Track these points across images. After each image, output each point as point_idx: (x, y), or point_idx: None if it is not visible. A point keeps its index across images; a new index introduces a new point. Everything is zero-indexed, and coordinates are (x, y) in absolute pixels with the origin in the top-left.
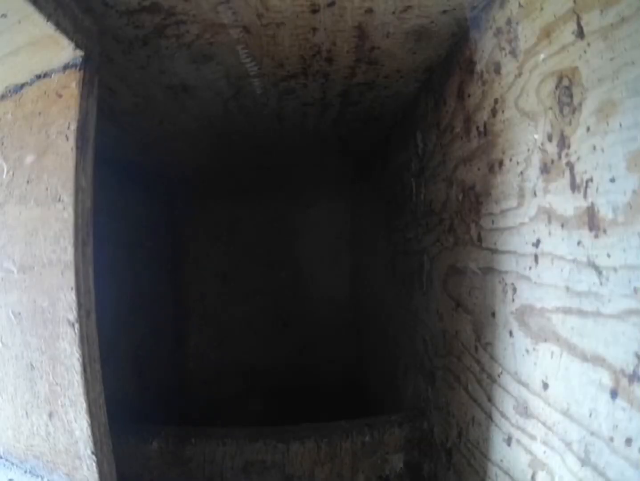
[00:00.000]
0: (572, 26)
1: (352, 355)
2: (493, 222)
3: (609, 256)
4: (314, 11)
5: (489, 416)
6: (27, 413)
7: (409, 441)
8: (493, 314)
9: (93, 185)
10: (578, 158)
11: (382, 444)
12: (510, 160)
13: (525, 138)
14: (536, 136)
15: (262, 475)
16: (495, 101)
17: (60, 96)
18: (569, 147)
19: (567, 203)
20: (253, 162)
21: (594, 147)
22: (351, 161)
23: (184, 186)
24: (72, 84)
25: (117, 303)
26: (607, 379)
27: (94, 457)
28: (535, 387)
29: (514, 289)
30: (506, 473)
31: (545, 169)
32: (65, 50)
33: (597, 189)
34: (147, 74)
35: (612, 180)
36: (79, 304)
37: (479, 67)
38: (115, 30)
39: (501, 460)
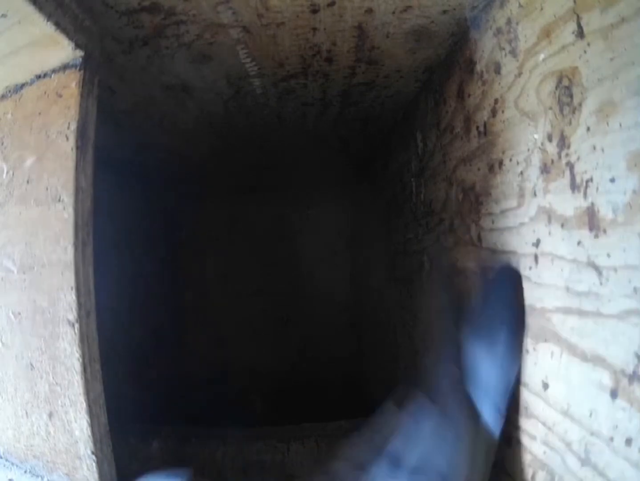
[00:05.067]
0: (572, 26)
1: (352, 355)
2: (493, 222)
3: (609, 256)
4: (314, 11)
5: None
6: (27, 413)
7: None
8: None
9: (93, 185)
10: (578, 158)
11: None
12: (510, 160)
13: (525, 138)
14: (536, 136)
15: (262, 475)
16: (495, 101)
17: (60, 96)
18: (569, 147)
19: (567, 203)
20: (253, 162)
21: (594, 147)
22: (351, 161)
23: (183, 186)
24: (72, 84)
25: (117, 303)
26: (607, 379)
27: (94, 457)
28: (535, 387)
29: None
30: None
31: (545, 169)
32: (65, 50)
33: (597, 189)
34: (147, 74)
35: (612, 180)
36: (79, 304)
37: (479, 67)
38: (115, 30)
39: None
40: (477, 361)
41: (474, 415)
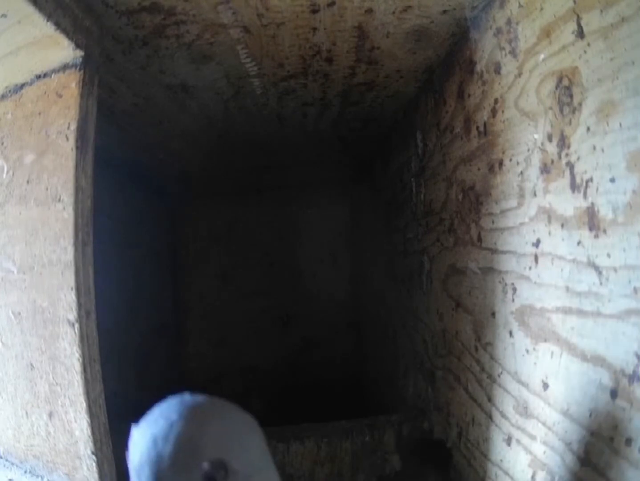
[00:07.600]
0: (572, 26)
1: (352, 355)
2: (493, 222)
3: (609, 256)
4: (314, 11)
5: (489, 416)
6: (27, 413)
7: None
8: (493, 314)
9: (93, 185)
10: (578, 158)
11: (382, 444)
12: (510, 160)
13: (525, 138)
14: (536, 136)
15: None
16: (495, 101)
17: (60, 96)
18: (569, 147)
19: (567, 203)
20: (253, 162)
21: (594, 147)
22: (351, 161)
23: (184, 186)
24: (72, 84)
25: (117, 303)
26: (607, 379)
27: (94, 457)
28: (535, 387)
29: (514, 289)
30: (506, 473)
31: (545, 169)
32: (65, 50)
33: (597, 189)
34: (147, 74)
35: (612, 180)
36: (79, 304)
37: (479, 67)
38: (115, 30)
39: (501, 460)
40: None
41: None
